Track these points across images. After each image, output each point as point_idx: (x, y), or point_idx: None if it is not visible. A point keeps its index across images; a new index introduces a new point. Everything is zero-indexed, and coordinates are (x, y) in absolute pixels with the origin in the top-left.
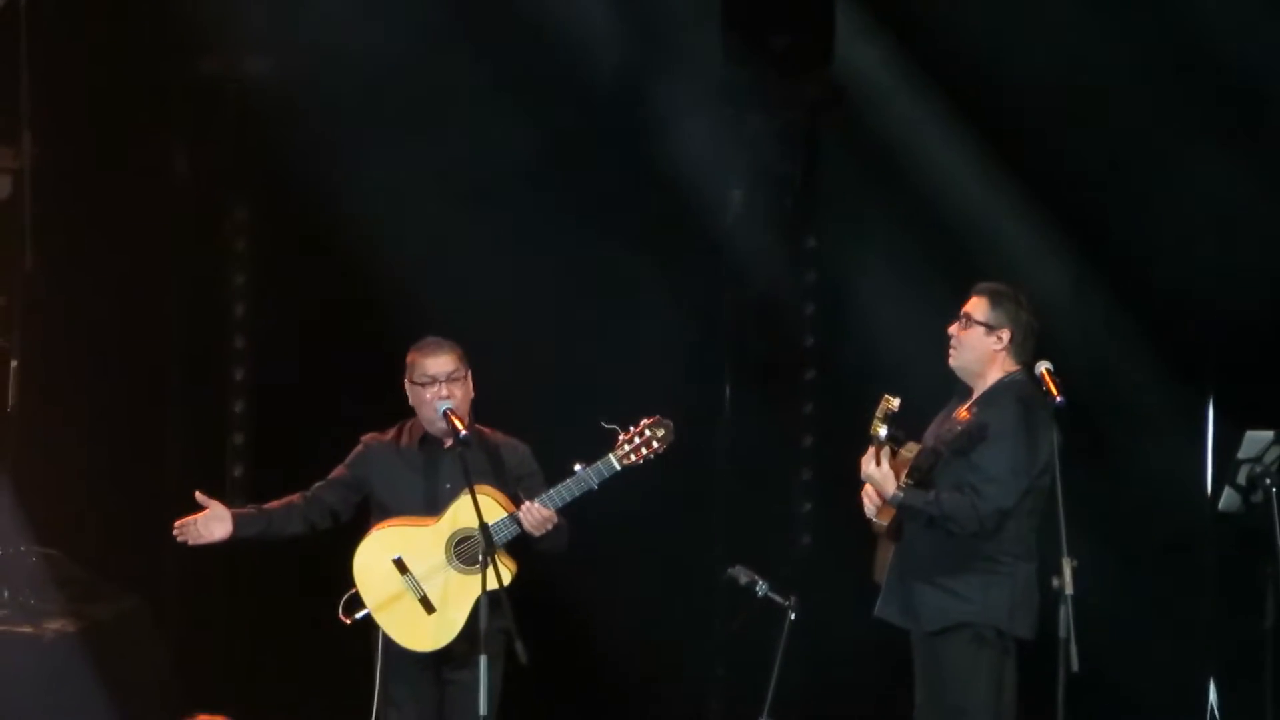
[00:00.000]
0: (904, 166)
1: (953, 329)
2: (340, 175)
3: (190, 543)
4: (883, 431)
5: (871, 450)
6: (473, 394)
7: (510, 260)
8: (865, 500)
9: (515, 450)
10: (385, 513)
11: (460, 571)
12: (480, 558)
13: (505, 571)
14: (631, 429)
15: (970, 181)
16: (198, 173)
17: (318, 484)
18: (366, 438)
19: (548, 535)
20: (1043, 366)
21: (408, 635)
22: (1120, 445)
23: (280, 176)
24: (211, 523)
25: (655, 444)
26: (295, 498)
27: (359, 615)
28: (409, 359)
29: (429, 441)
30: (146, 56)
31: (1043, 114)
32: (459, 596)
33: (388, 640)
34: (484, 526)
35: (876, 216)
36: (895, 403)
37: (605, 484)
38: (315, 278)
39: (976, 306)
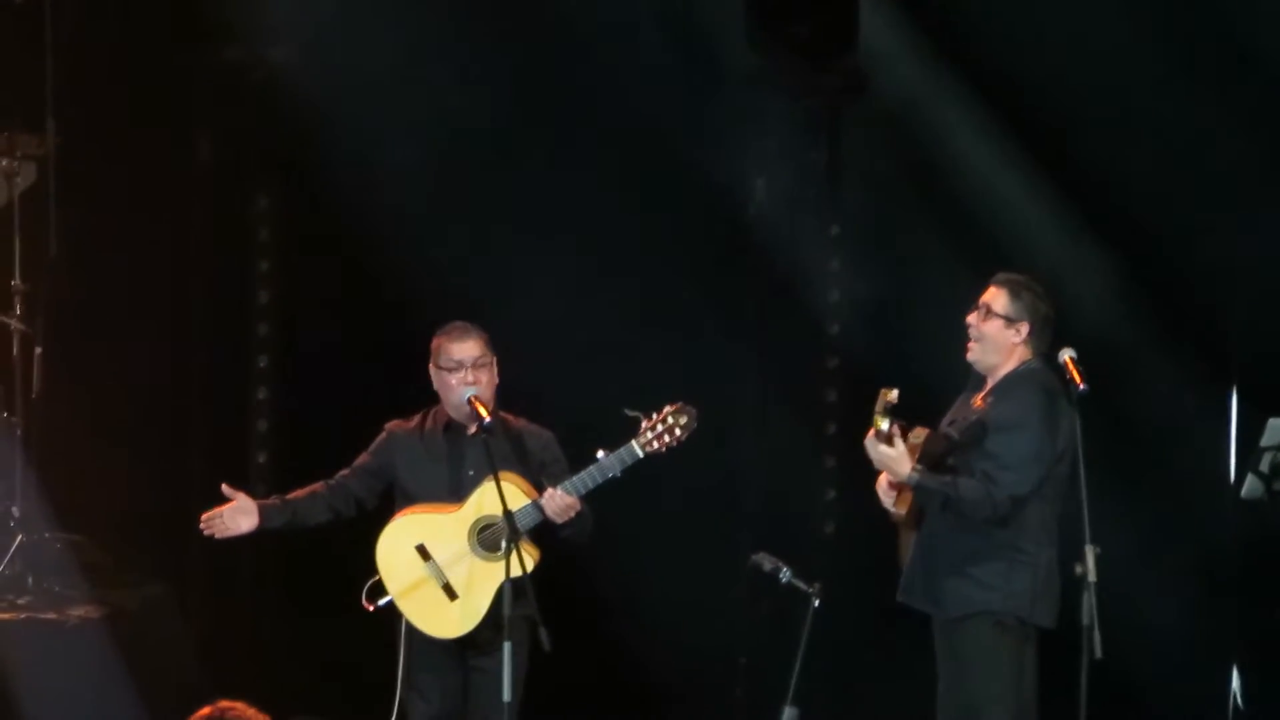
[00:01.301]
0: (927, 153)
1: (971, 319)
2: (364, 163)
3: (217, 535)
4: (884, 425)
5: (871, 436)
6: (497, 380)
7: (535, 247)
8: (880, 492)
9: (539, 438)
10: (409, 500)
11: (483, 559)
12: (503, 544)
13: (528, 559)
14: (655, 416)
15: (994, 169)
16: (221, 161)
17: (342, 472)
18: (390, 425)
19: (570, 522)
20: (1066, 354)
21: (430, 622)
22: (1144, 432)
23: (304, 165)
24: (238, 515)
25: (678, 431)
26: (319, 486)
27: (382, 602)
28: (434, 344)
29: (453, 428)
30: (170, 44)
31: (1067, 102)
32: (482, 583)
33: (411, 628)
34: (508, 514)
35: (900, 204)
36: (893, 394)
37: (628, 471)
38: (339, 266)
39: (996, 298)
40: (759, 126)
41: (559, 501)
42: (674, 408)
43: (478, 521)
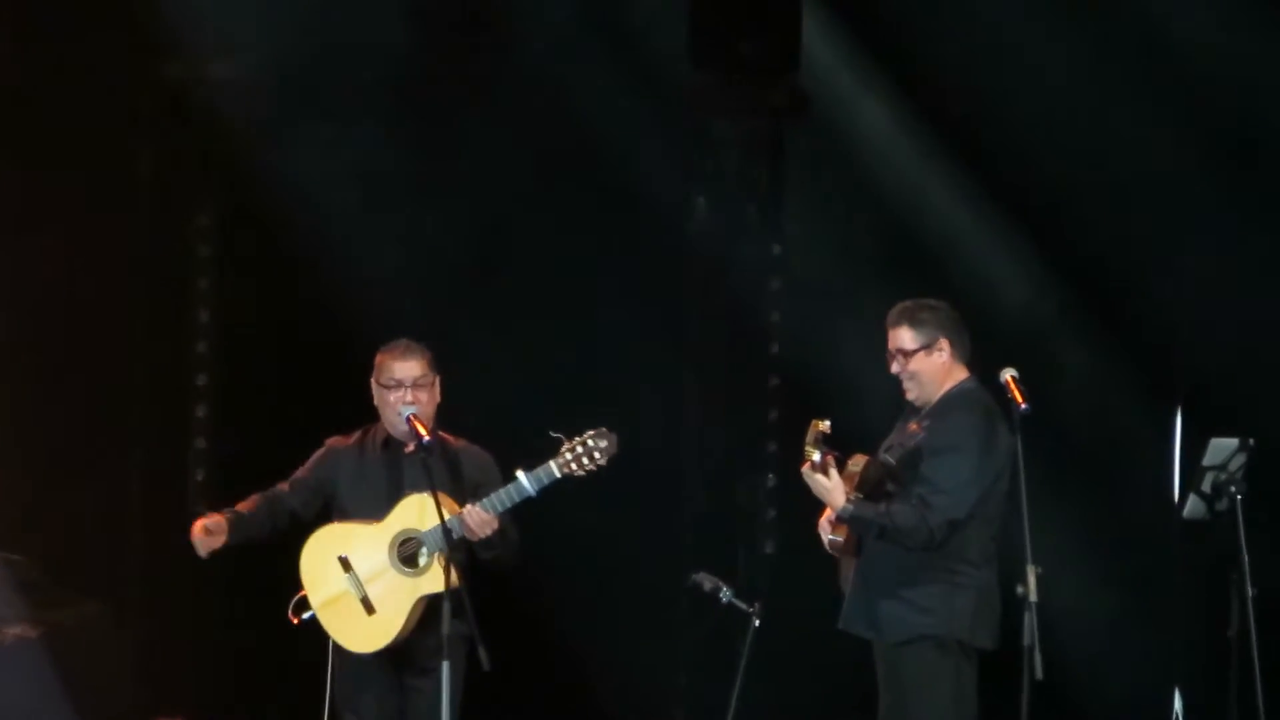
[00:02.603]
0: (870, 174)
1: (895, 368)
2: (305, 180)
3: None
4: (816, 456)
5: (806, 467)
6: (439, 399)
7: (475, 265)
8: (820, 528)
9: (477, 459)
10: (345, 516)
11: (401, 573)
12: (421, 559)
13: (442, 577)
14: (575, 438)
15: (936, 189)
16: (161, 178)
17: (279, 486)
18: (330, 441)
19: (491, 543)
20: (1007, 374)
21: (348, 636)
22: (1087, 452)
23: (244, 182)
24: (209, 538)
25: (597, 454)
26: (257, 498)
27: (306, 616)
28: (377, 360)
29: (392, 445)
30: (111, 60)
31: (1009, 121)
32: (398, 598)
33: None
34: (444, 527)
35: (842, 224)
36: (825, 425)
37: (545, 491)
38: (280, 282)
39: (903, 337)
40: (701, 145)
41: (474, 517)
42: (594, 432)
43: (398, 535)
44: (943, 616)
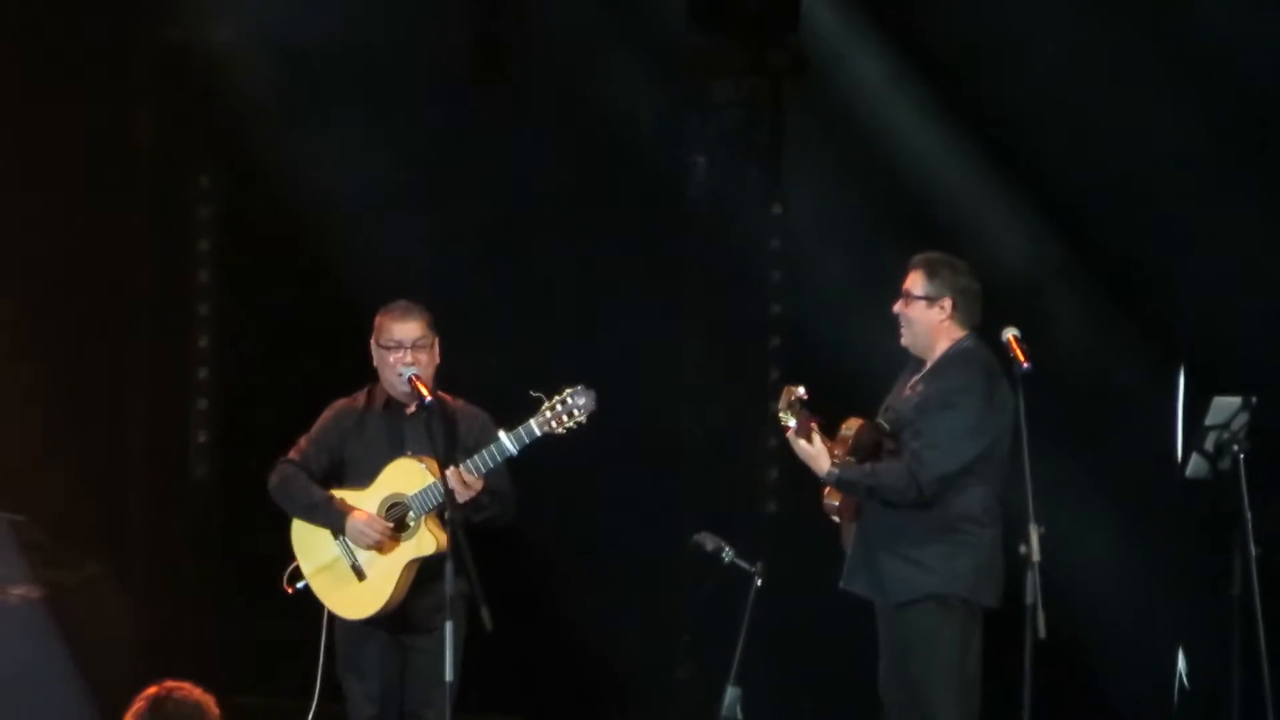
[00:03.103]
0: (870, 133)
1: (897, 307)
2: (304, 142)
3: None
4: (792, 422)
5: (791, 434)
6: (439, 360)
7: (471, 226)
8: (832, 514)
9: (474, 419)
10: (348, 475)
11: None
12: (410, 522)
13: (431, 539)
14: (555, 396)
15: (936, 148)
16: (162, 140)
17: (293, 457)
18: (336, 403)
19: (481, 505)
20: (1009, 333)
21: (340, 603)
22: (1089, 411)
23: (245, 144)
24: None
25: (576, 411)
26: (305, 477)
27: (300, 585)
28: (377, 321)
29: (392, 405)
30: (111, 22)
31: (1009, 79)
32: (388, 563)
33: None
34: (446, 487)
35: (842, 183)
36: (799, 391)
37: (526, 450)
38: (280, 244)
39: (914, 281)
40: (701, 106)
41: (457, 480)
42: (573, 389)
43: (385, 500)
44: (946, 575)
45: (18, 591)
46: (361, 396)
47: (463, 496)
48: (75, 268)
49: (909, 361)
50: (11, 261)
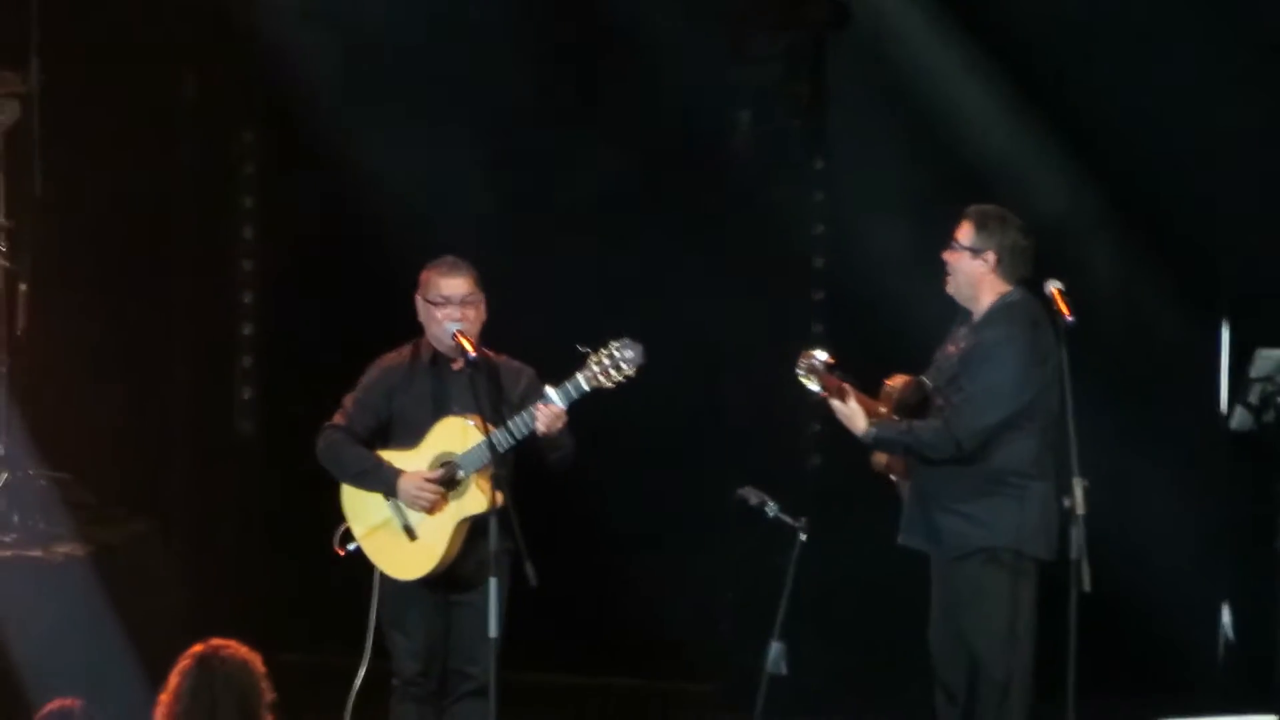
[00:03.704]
0: (912, 85)
1: (945, 254)
2: (347, 97)
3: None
4: (813, 386)
5: (822, 395)
6: (485, 317)
7: (514, 182)
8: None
9: (519, 375)
10: (394, 432)
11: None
12: (459, 479)
13: (482, 497)
14: (601, 350)
15: (978, 100)
16: (205, 96)
17: (344, 416)
18: (381, 360)
19: (558, 442)
20: (1053, 286)
21: (391, 564)
22: (1134, 364)
23: (289, 100)
24: None
25: (624, 365)
26: (354, 443)
27: (351, 547)
28: (424, 276)
29: (439, 361)
30: None
31: (1057, 31)
32: (440, 522)
33: None
34: (490, 444)
35: (884, 136)
36: (820, 354)
37: (573, 405)
38: (324, 199)
39: (964, 231)
40: (742, 59)
41: (546, 413)
42: (620, 342)
43: (436, 459)
44: (996, 528)
45: (63, 550)
46: (407, 351)
47: (548, 431)
48: (118, 226)
49: (958, 314)
50: (55, 220)
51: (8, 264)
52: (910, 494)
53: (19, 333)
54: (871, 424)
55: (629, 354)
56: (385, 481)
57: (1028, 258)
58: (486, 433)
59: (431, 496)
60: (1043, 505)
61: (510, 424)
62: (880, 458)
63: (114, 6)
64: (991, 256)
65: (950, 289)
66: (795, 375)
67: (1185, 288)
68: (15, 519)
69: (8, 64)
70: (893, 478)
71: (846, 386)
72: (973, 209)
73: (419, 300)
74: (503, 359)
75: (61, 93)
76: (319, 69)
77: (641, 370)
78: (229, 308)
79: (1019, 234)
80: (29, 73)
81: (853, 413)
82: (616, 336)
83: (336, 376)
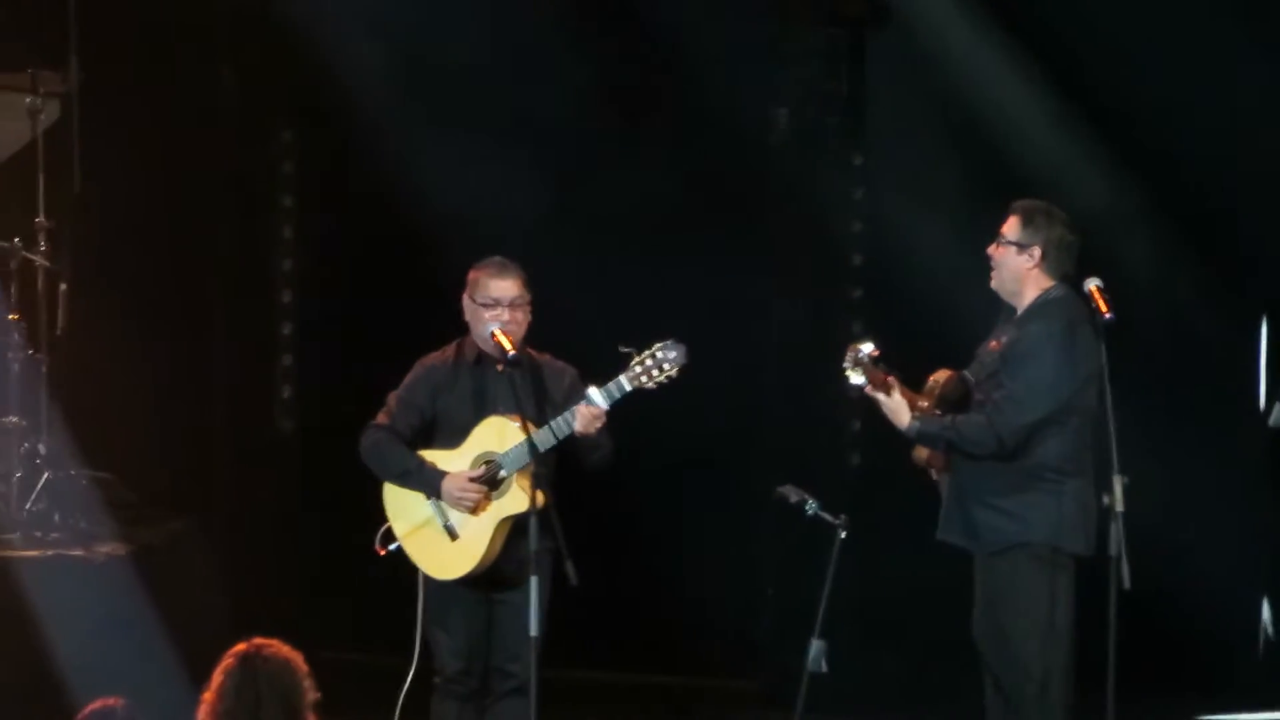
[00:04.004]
0: (951, 81)
1: (990, 249)
2: (387, 96)
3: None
4: (857, 379)
5: (866, 389)
6: (530, 320)
7: (554, 181)
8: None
9: (563, 375)
10: (437, 432)
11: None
12: (500, 480)
13: (524, 497)
14: (644, 351)
15: (1018, 96)
16: (245, 95)
17: (388, 415)
18: (425, 360)
19: (598, 443)
20: (1092, 283)
21: (432, 563)
22: (1173, 360)
23: (327, 99)
24: None
25: (667, 365)
26: (398, 442)
27: (393, 547)
28: (472, 276)
29: (483, 361)
30: None
31: (1091, 25)
32: (481, 522)
33: None
34: (530, 444)
35: (923, 133)
36: (865, 346)
37: (615, 405)
38: (363, 198)
39: (1010, 226)
40: (781, 56)
41: (585, 414)
42: (663, 344)
43: (478, 458)
44: (1033, 523)
45: (104, 549)
46: (451, 351)
47: (588, 431)
48: (158, 225)
49: (1003, 310)
50: (94, 219)
51: (48, 263)
52: (948, 489)
53: (59, 332)
54: (914, 418)
55: (672, 354)
56: (429, 482)
57: (1073, 254)
58: (528, 433)
59: (475, 497)
60: (1080, 501)
61: (552, 424)
62: (921, 452)
63: (153, 5)
64: (1037, 252)
65: (994, 284)
66: (841, 368)
67: (1224, 284)
68: (57, 518)
69: (47, 63)
70: (933, 473)
71: (891, 379)
72: (1019, 204)
73: (466, 300)
74: (546, 358)
75: (101, 92)
76: (359, 68)
77: (684, 371)
78: (268, 307)
79: (1065, 230)
80: (68, 72)
81: (897, 406)
82: (659, 337)
83: (376, 375)
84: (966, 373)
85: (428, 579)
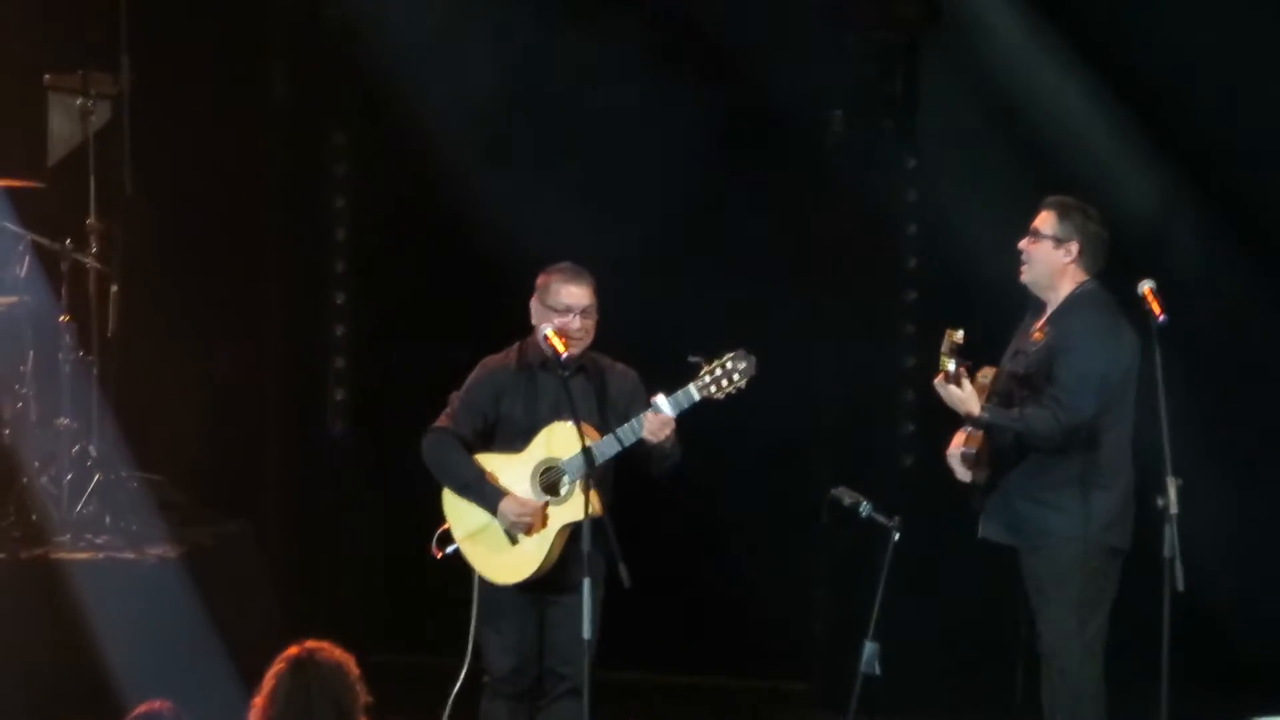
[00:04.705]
0: (1004, 84)
1: (1023, 244)
2: (439, 98)
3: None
4: (951, 365)
5: (940, 377)
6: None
7: (608, 182)
8: (950, 458)
9: (625, 378)
10: (500, 436)
11: (544, 502)
12: (563, 488)
13: (593, 502)
14: (715, 361)
15: (1071, 99)
16: (297, 97)
17: (450, 418)
18: (488, 362)
19: (667, 453)
20: (1145, 286)
21: (491, 567)
22: (1228, 362)
23: (380, 100)
24: None
25: (736, 376)
26: (462, 450)
27: (449, 549)
28: (544, 281)
29: (548, 365)
30: None
31: (1145, 28)
32: (542, 529)
33: None
34: (586, 451)
35: (977, 135)
36: (959, 335)
37: (684, 414)
38: (416, 201)
39: (1044, 220)
40: (835, 59)
41: (654, 422)
42: (734, 354)
43: (540, 464)
44: (1079, 517)
45: (155, 551)
46: (512, 354)
47: (658, 439)
48: (210, 227)
49: (1028, 307)
50: (146, 221)
51: (99, 265)
52: (987, 486)
53: (110, 334)
54: (984, 407)
55: (742, 365)
56: (488, 499)
57: (1106, 249)
58: (586, 439)
59: (530, 520)
60: (1124, 496)
61: (617, 431)
62: (972, 444)
63: (204, 6)
64: (1075, 247)
65: (1026, 278)
66: (941, 355)
67: (1276, 284)
68: (108, 520)
69: (99, 65)
70: (967, 468)
71: (963, 369)
72: (1052, 199)
73: (535, 304)
74: (607, 361)
75: (152, 93)
76: (412, 69)
77: (752, 382)
78: (321, 309)
79: (1099, 225)
80: (119, 75)
81: (969, 395)
82: (713, 339)
83: (429, 378)
84: (1013, 365)
85: (482, 581)
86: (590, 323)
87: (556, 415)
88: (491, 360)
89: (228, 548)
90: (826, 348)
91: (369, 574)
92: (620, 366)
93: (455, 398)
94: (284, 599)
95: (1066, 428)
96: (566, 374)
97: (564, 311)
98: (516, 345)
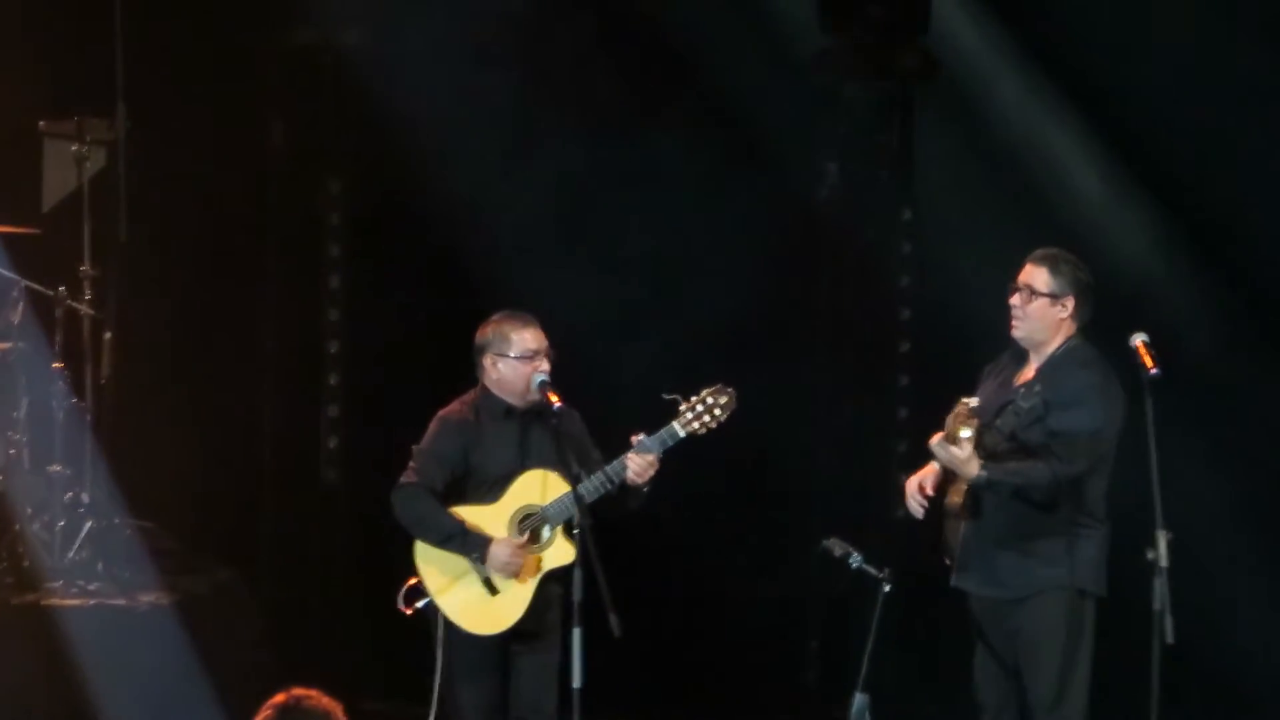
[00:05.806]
0: (999, 137)
1: (1014, 300)
2: (434, 147)
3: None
4: (966, 433)
5: (939, 437)
6: None
7: (601, 229)
8: (912, 503)
9: (573, 418)
10: (468, 488)
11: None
12: (544, 534)
13: (568, 550)
14: (693, 398)
15: (1066, 151)
16: (292, 144)
17: (417, 474)
18: (446, 416)
19: (643, 494)
20: (1138, 339)
21: (470, 618)
22: (1217, 413)
23: (375, 149)
24: None
25: (718, 411)
26: (421, 495)
27: (420, 604)
28: (498, 331)
29: (512, 414)
30: (241, 27)
31: (1138, 80)
32: (531, 574)
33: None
34: (576, 495)
35: (972, 187)
36: (973, 402)
37: (668, 453)
38: (410, 249)
39: (1037, 277)
40: (831, 110)
41: (637, 463)
42: (713, 389)
43: (517, 513)
44: (1067, 567)
45: (147, 598)
46: (467, 407)
47: (640, 480)
48: (203, 273)
49: (1007, 354)
50: (140, 267)
51: (93, 312)
52: (966, 536)
53: (103, 380)
54: (983, 467)
55: (723, 400)
56: (475, 548)
57: (1094, 299)
58: (574, 485)
59: (520, 564)
60: (1103, 545)
61: (602, 472)
62: (956, 496)
63: (201, 53)
64: (1071, 301)
65: (1019, 333)
66: (957, 428)
67: (1269, 332)
68: (100, 567)
69: (94, 112)
70: (917, 504)
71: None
72: (1039, 254)
73: (491, 357)
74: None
75: (148, 140)
76: (407, 118)
77: (733, 415)
78: (314, 356)
79: (1087, 274)
80: (115, 121)
81: (968, 457)
82: (697, 383)
83: (423, 427)
84: (1000, 423)
85: (453, 636)
86: (547, 362)
87: (525, 463)
88: (450, 414)
89: (220, 595)
90: (820, 398)
91: (360, 621)
92: (563, 406)
93: (419, 451)
94: (276, 647)
95: (1060, 481)
96: (556, 422)
97: (531, 357)
98: (470, 397)
